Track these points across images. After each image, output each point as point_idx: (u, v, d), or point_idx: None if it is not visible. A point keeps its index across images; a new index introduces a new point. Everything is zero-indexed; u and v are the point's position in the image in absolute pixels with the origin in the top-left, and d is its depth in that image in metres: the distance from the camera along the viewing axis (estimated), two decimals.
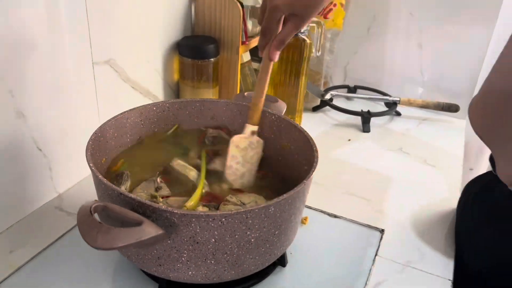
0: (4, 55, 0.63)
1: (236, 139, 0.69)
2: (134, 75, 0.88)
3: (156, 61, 0.95)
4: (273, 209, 0.54)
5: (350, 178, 0.90)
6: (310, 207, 0.79)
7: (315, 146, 0.64)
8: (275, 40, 0.65)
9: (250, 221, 0.52)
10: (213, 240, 0.52)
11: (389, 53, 1.21)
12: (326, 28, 1.14)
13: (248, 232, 0.53)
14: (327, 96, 1.15)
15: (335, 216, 0.78)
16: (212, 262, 0.54)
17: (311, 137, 0.66)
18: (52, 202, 0.77)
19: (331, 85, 1.28)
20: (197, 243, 0.52)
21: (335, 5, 1.12)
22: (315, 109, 1.17)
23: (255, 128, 0.69)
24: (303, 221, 0.76)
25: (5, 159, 0.67)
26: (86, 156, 0.58)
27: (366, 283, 0.65)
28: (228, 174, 0.68)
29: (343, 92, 1.23)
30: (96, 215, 0.48)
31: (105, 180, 0.53)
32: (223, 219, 0.51)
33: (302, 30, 0.97)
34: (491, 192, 0.68)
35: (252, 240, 0.54)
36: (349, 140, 1.05)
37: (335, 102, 1.16)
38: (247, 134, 0.69)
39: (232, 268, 0.56)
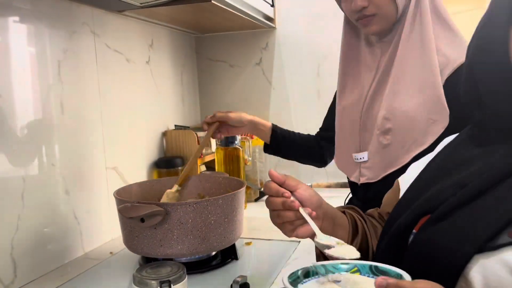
0: (67, 162, 1.12)
1: (168, 191, 1.16)
2: (129, 178, 1.37)
3: (142, 172, 1.46)
4: (221, 201, 0.99)
5: None
6: None
7: (244, 182, 1.13)
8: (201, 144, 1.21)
9: (209, 207, 0.97)
10: (190, 220, 0.96)
11: None
12: (254, 145, 1.70)
13: (209, 215, 0.98)
14: (263, 188, 1.66)
15: None
16: (191, 237, 0.97)
17: (240, 179, 1.15)
18: (79, 258, 1.16)
19: None
20: (182, 223, 0.96)
21: None
22: (257, 199, 1.65)
23: (179, 188, 1.16)
24: None
25: (50, 223, 1.09)
26: (115, 196, 1.03)
27: None
28: None
29: None
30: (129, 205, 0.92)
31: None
32: (194, 205, 0.96)
33: (236, 143, 1.52)
34: None
35: (212, 221, 0.98)
36: None
37: None
38: (174, 190, 1.16)
39: (203, 243, 0.98)
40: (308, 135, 1.33)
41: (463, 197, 0.55)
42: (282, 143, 1.28)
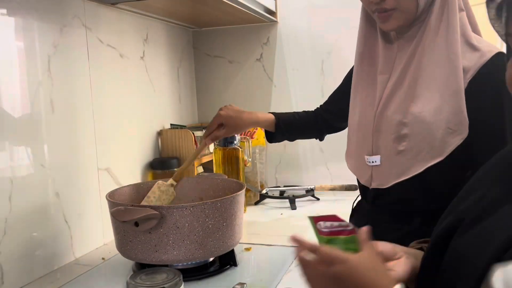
0: (58, 162, 1.12)
1: (160, 182, 1.16)
2: (122, 180, 1.37)
3: (136, 173, 1.46)
4: (219, 204, 1.00)
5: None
6: None
7: (244, 184, 1.13)
8: (212, 135, 1.19)
9: (207, 211, 0.98)
10: (187, 225, 0.97)
11: (302, 158, 1.78)
12: (254, 145, 1.71)
13: (207, 219, 0.98)
14: (264, 191, 1.66)
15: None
16: (187, 242, 0.97)
17: (240, 181, 1.15)
18: (69, 264, 1.17)
19: (266, 187, 1.80)
20: (178, 227, 0.96)
21: (256, 128, 1.72)
22: (256, 203, 1.66)
23: (174, 183, 1.16)
24: None
25: (39, 227, 1.09)
26: (107, 198, 1.04)
27: None
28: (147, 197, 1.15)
29: (275, 188, 1.76)
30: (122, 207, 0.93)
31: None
32: (191, 208, 0.96)
33: (235, 143, 1.53)
34: None
35: (210, 226, 0.99)
36: (281, 214, 1.52)
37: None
38: (168, 183, 1.15)
39: (200, 248, 0.99)
40: (306, 112, 1.33)
41: (488, 207, 0.58)
42: (285, 133, 1.29)
